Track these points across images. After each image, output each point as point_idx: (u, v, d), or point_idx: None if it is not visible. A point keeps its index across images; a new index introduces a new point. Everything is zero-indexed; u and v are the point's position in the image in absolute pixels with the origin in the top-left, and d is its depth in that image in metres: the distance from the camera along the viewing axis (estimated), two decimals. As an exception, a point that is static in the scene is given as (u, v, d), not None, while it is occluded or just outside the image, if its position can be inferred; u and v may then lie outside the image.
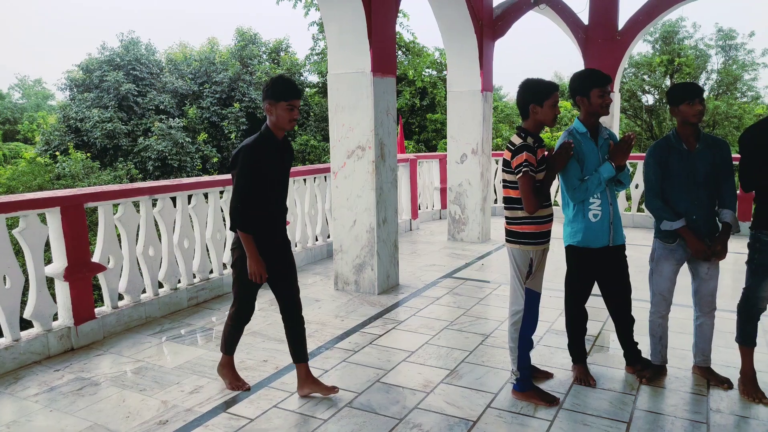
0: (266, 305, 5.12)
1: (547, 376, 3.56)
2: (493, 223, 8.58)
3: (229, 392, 3.44)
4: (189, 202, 5.17)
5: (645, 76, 28.01)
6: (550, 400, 3.22)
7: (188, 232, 5.16)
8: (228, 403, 3.32)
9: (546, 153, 3.19)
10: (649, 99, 28.66)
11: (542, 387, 3.41)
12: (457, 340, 4.26)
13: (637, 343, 3.65)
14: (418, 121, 23.54)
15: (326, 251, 7.02)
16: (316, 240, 7.01)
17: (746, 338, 3.39)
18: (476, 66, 7.38)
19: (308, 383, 3.38)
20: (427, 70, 25.04)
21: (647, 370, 3.56)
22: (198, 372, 3.74)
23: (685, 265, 3.46)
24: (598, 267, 3.43)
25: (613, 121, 7.93)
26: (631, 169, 3.64)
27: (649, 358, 3.62)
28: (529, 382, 3.28)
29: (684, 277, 3.50)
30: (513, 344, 3.27)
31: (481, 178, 7.64)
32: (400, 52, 24.13)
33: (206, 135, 22.00)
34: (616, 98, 8.21)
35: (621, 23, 7.98)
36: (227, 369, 3.50)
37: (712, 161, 3.28)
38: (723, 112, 25.69)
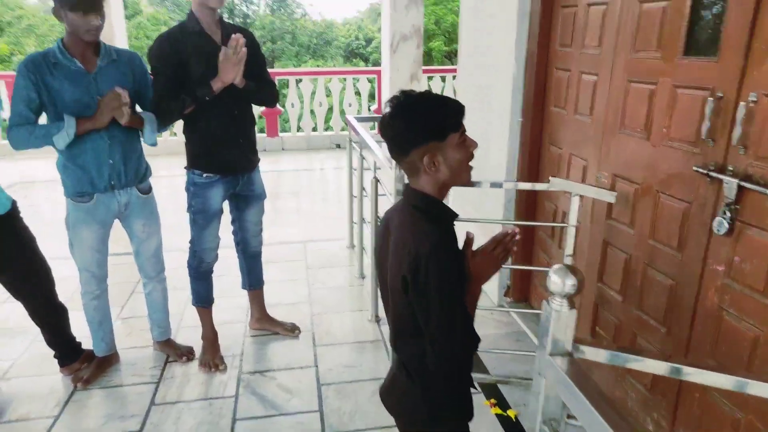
0: None
1: None
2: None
3: None
4: None
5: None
6: None
7: None
8: None
9: None
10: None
11: None
12: None
13: (74, 338, 2.71)
14: None
15: None
16: None
17: (200, 299, 2.81)
18: None
19: None
20: None
21: (87, 367, 2.68)
22: None
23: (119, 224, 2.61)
24: None
25: (114, 33, 6.59)
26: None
27: (93, 348, 2.74)
28: None
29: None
30: None
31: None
32: None
33: None
34: (117, 4, 6.85)
35: None
36: None
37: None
38: (278, 27, 27.21)
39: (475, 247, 1.52)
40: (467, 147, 1.44)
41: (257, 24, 27.32)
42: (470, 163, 1.47)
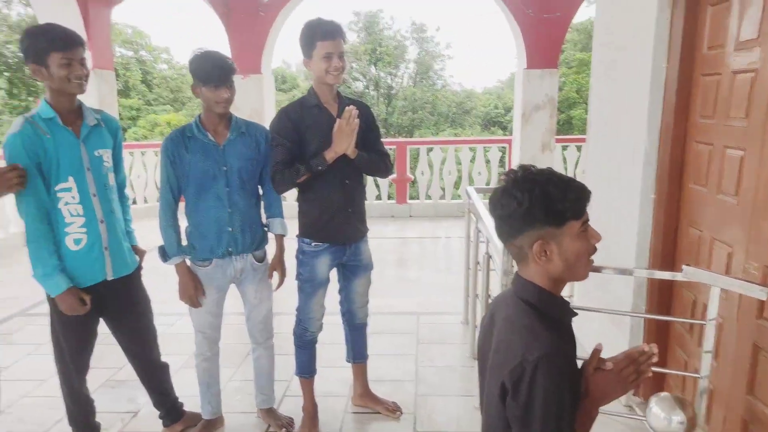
0: None
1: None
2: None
3: None
4: None
5: (353, 64, 29.31)
6: None
7: None
8: None
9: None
10: (358, 85, 30.09)
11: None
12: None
13: (176, 398, 2.81)
14: (110, 107, 20.67)
15: None
16: None
17: (303, 369, 2.80)
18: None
19: None
20: (118, 50, 22.10)
21: (192, 430, 2.74)
22: None
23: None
24: (95, 312, 2.43)
25: (264, 106, 7.26)
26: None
27: (200, 411, 2.81)
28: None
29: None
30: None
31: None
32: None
33: None
34: (269, 80, 7.56)
35: (265, -2, 7.31)
36: None
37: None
38: (419, 98, 28.34)
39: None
40: (589, 239, 1.25)
41: (400, 95, 28.70)
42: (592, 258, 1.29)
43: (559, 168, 7.82)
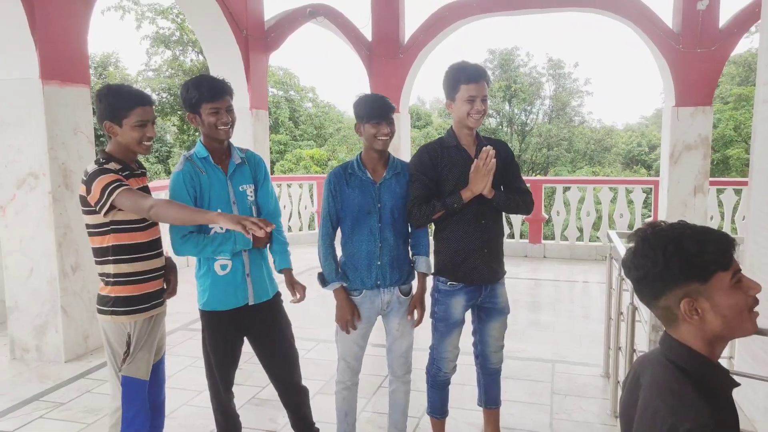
0: None
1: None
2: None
3: None
4: None
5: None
6: None
7: None
8: None
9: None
10: (492, 122, 30.03)
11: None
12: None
13: (313, 423, 2.94)
14: (261, 143, 22.53)
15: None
16: None
17: (434, 408, 2.81)
18: (242, 81, 6.60)
19: None
20: (271, 90, 24.16)
21: (327, 455, 2.86)
22: None
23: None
24: (238, 333, 2.66)
25: (401, 143, 7.53)
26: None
27: (335, 436, 2.93)
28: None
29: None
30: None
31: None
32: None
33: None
34: (405, 118, 7.84)
35: (406, 39, 7.65)
36: None
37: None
38: (555, 134, 27.58)
39: None
40: (745, 290, 1.16)
41: (534, 131, 28.15)
42: (755, 309, 1.19)
43: (714, 213, 7.18)
